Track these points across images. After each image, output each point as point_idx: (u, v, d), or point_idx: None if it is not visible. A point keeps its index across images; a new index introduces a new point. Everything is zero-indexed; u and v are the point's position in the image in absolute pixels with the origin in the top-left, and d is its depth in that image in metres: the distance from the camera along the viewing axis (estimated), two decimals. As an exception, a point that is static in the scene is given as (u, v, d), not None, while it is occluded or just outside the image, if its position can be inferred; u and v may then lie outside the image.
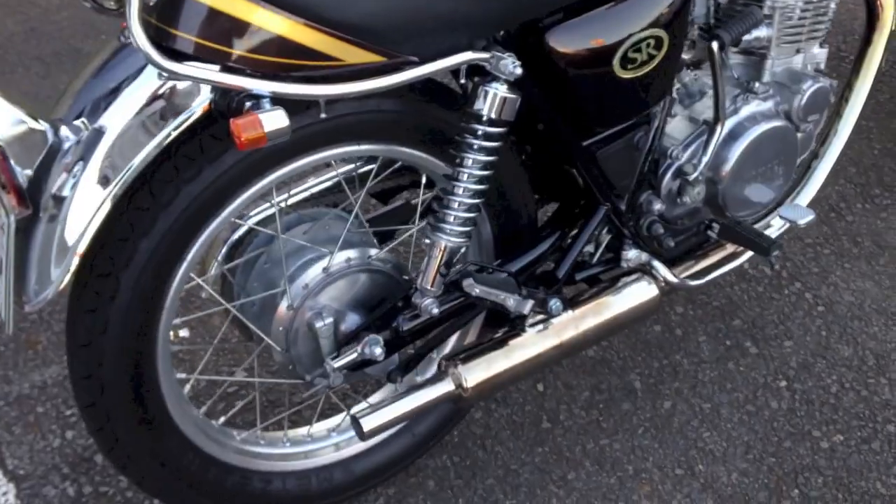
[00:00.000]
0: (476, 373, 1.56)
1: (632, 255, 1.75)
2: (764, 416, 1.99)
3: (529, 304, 1.56)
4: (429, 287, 1.51)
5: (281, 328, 1.53)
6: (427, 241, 1.49)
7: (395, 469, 1.85)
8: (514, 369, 1.60)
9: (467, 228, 1.48)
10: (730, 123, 1.71)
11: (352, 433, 1.81)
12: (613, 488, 1.87)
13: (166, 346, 1.45)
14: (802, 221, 1.84)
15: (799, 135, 1.80)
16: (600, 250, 1.77)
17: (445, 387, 1.56)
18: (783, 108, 1.77)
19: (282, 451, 1.74)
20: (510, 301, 1.54)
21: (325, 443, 1.79)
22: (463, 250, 1.51)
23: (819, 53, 1.80)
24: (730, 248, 1.86)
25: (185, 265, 1.40)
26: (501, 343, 1.61)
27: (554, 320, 1.64)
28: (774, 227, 1.94)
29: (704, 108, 1.73)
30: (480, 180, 1.45)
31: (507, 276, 1.55)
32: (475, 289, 1.50)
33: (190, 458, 1.57)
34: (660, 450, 1.94)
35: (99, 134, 1.27)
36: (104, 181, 1.26)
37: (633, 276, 1.74)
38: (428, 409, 1.57)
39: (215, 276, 1.57)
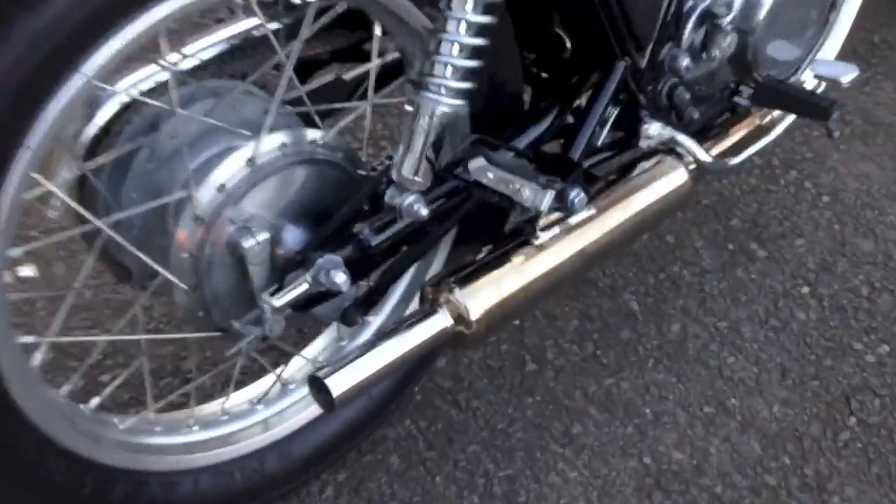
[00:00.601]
0: (481, 298, 1.07)
1: (654, 130, 1.29)
2: (793, 331, 1.61)
3: (549, 195, 1.08)
4: (412, 177, 1.00)
5: (185, 255, 0.99)
6: (410, 107, 0.98)
7: (345, 447, 1.35)
8: (529, 290, 1.12)
9: (468, 86, 0.98)
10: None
11: (285, 401, 1.29)
12: (632, 439, 1.44)
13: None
14: (846, 79, 1.44)
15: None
16: (606, 130, 1.30)
17: (439, 322, 1.06)
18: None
19: (188, 440, 1.20)
20: (526, 192, 1.05)
21: (248, 420, 1.27)
22: (460, 122, 1.01)
23: None
24: (758, 119, 1.44)
25: (22, 162, 0.84)
26: (505, 257, 1.12)
27: (572, 220, 1.17)
28: (805, 91, 1.53)
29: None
30: (488, 8, 0.95)
31: (520, 158, 1.06)
32: (487, 174, 1.00)
33: (50, 463, 1.01)
34: (679, 385, 1.52)
35: None
36: None
37: (657, 159, 1.30)
38: (413, 357, 1.07)
39: (71, 181, 1.00)
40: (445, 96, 0.96)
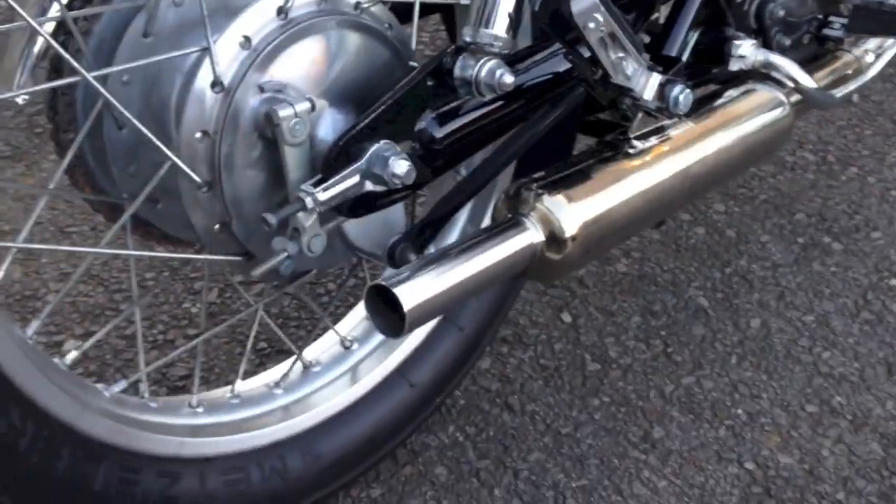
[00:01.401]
0: (577, 210, 0.83)
1: (746, 50, 1.08)
2: (890, 324, 1.37)
3: (656, 79, 0.86)
4: (492, 31, 0.78)
5: (199, 134, 0.74)
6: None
7: (384, 447, 1.07)
8: (630, 207, 0.88)
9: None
10: None
11: (307, 386, 1.02)
12: (727, 443, 1.18)
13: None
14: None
15: None
16: (691, 44, 1.09)
17: (527, 237, 0.82)
18: None
19: (192, 423, 0.92)
20: (630, 65, 0.83)
21: (267, 405, 0.99)
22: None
23: None
24: (853, 53, 1.25)
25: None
26: (598, 166, 0.89)
27: (672, 132, 0.95)
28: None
29: None
30: None
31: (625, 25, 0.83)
32: (595, 17, 0.77)
33: (16, 427, 0.74)
34: (772, 383, 1.27)
35: None
36: None
37: (750, 85, 1.09)
38: (492, 279, 0.82)
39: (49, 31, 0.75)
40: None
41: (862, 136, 1.82)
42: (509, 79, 0.78)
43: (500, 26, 0.78)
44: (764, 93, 1.08)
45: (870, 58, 1.25)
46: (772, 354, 1.31)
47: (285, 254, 0.79)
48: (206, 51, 0.73)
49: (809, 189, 1.66)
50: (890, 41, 1.26)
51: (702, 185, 0.98)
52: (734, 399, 1.24)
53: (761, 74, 1.10)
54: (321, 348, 1.07)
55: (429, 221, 0.89)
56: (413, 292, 0.74)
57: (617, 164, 0.90)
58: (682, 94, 0.90)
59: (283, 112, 0.74)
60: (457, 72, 0.80)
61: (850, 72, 1.22)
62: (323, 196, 0.75)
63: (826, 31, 1.21)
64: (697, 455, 1.16)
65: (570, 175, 0.86)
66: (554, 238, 0.82)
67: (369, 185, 0.79)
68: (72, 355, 0.82)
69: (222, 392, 0.99)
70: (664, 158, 0.93)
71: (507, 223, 0.82)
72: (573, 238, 0.83)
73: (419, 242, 0.88)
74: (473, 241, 0.81)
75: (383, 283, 0.74)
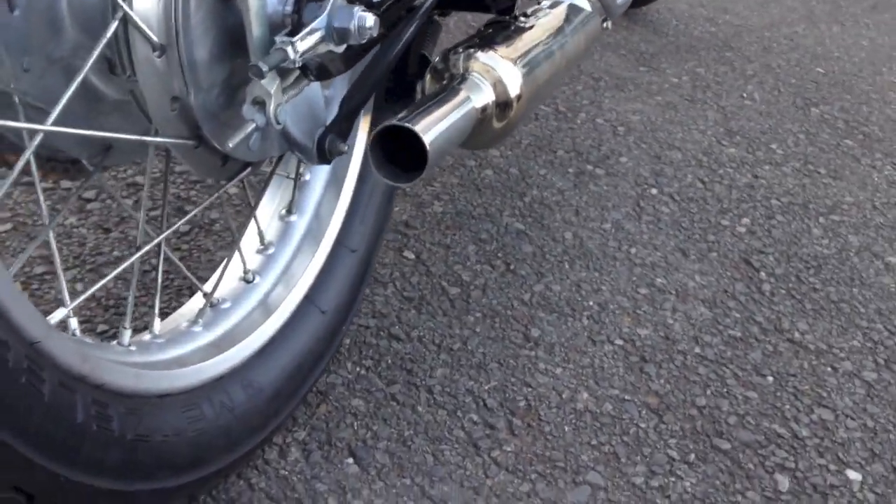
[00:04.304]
0: (512, 67, 0.87)
1: None
2: (667, 221, 1.57)
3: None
4: None
5: None
6: None
7: (311, 375, 1.02)
8: (544, 66, 0.94)
9: None
10: None
11: (225, 322, 0.94)
12: (593, 329, 1.27)
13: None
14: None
15: None
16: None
17: (481, 95, 0.84)
18: None
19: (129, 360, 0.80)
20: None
21: (192, 343, 0.89)
22: None
23: None
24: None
25: None
26: (510, 36, 0.94)
27: (540, 16, 1.03)
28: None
29: None
30: None
31: None
32: None
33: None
34: (605, 277, 1.39)
35: None
36: None
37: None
38: (464, 131, 0.83)
39: None
40: None
41: (577, 91, 2.06)
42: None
43: None
44: (580, 2, 1.21)
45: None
46: (593, 257, 1.44)
47: (253, 126, 0.74)
48: None
49: (557, 132, 1.85)
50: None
51: (570, 58, 1.07)
52: (582, 295, 1.35)
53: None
54: (224, 286, 0.99)
55: (348, 111, 0.88)
56: (426, 130, 0.73)
57: (520, 33, 0.96)
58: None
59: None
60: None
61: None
62: (301, 45, 0.72)
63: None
64: (576, 342, 1.25)
65: (493, 41, 0.90)
66: (503, 93, 0.86)
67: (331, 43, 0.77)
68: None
69: (143, 334, 0.88)
70: (548, 28, 1.00)
71: (454, 86, 0.84)
72: (523, 90, 0.87)
73: (342, 131, 0.87)
74: (438, 99, 0.81)
75: (402, 124, 0.72)
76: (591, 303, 1.34)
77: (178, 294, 1.21)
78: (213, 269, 1.27)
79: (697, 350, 1.27)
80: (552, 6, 1.09)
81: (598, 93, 2.07)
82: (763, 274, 1.46)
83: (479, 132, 0.89)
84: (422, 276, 1.34)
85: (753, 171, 1.79)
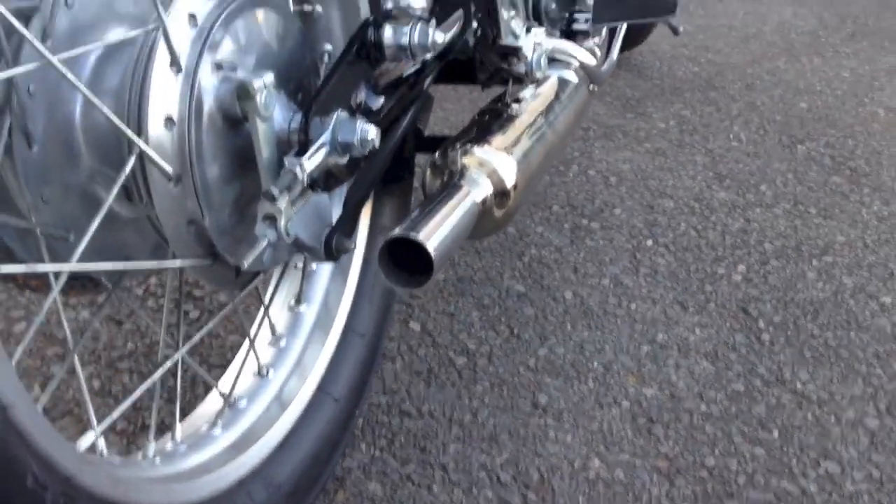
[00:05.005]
0: (507, 158, 0.91)
1: (540, 36, 1.23)
2: (664, 273, 1.60)
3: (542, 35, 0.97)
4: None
5: (166, 114, 0.70)
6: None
7: (329, 462, 1.04)
8: (537, 153, 0.98)
9: None
10: None
11: (243, 420, 0.96)
12: (600, 392, 1.30)
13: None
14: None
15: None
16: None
17: (480, 189, 0.87)
18: None
19: (152, 475, 0.83)
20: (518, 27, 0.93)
21: (214, 447, 0.91)
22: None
23: None
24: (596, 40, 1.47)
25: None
26: (502, 127, 0.98)
27: (530, 99, 1.07)
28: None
29: None
30: None
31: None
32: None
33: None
34: (607, 336, 1.42)
35: None
36: None
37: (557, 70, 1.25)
38: (468, 227, 0.86)
39: None
40: None
41: (589, 139, 2.10)
42: (441, 37, 0.84)
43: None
44: (568, 75, 1.25)
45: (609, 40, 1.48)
46: (594, 315, 1.47)
47: (266, 241, 0.77)
48: (160, 29, 0.69)
49: (551, 187, 1.88)
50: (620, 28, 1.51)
51: (562, 135, 1.10)
52: (585, 356, 1.38)
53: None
54: (239, 383, 1.01)
55: (352, 209, 0.91)
56: (434, 233, 0.76)
57: (512, 120, 0.99)
58: (542, 58, 1.03)
59: (257, 83, 0.72)
60: (388, 40, 0.84)
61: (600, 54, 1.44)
62: (309, 165, 0.75)
63: (575, 27, 1.41)
64: (583, 407, 1.27)
65: (487, 132, 0.94)
66: (500, 186, 0.89)
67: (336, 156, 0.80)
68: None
69: (165, 440, 0.90)
70: (538, 111, 1.04)
71: (455, 184, 0.87)
72: (519, 183, 0.90)
73: (348, 230, 0.90)
74: (440, 199, 0.85)
75: (405, 235, 0.75)
76: (595, 364, 1.36)
77: (192, 386, 1.23)
78: (224, 353, 1.30)
79: (703, 408, 1.29)
80: (540, 85, 1.13)
81: (587, 143, 2.11)
82: (761, 323, 1.49)
83: (482, 223, 0.92)
84: (428, 347, 1.36)
85: (745, 214, 1.83)
